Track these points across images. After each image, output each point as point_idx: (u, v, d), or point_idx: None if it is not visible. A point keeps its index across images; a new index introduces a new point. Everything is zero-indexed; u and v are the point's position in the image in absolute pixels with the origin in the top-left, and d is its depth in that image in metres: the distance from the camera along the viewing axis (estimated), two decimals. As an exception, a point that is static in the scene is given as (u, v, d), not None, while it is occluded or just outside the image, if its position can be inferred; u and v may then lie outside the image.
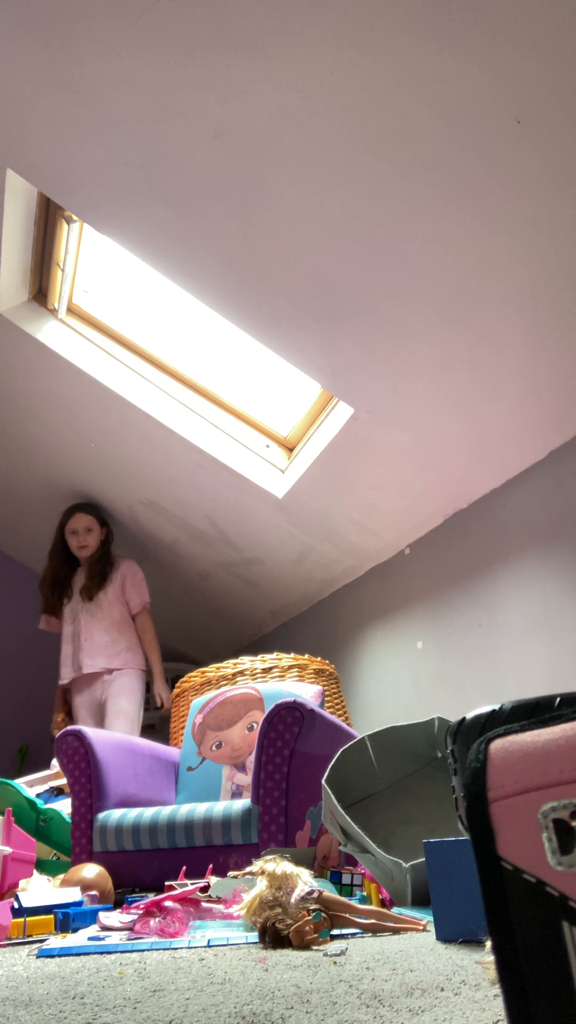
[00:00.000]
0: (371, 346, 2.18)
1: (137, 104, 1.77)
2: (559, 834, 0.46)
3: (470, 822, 0.49)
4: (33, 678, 4.03)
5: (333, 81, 1.60)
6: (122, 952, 1.18)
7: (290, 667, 2.79)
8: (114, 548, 3.53)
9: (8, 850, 1.66)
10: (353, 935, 1.25)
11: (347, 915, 1.25)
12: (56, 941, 1.32)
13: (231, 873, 1.56)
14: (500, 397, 2.19)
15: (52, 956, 1.18)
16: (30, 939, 1.39)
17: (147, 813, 2.00)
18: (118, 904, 1.80)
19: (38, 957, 1.18)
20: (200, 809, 1.95)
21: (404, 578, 2.94)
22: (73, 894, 1.62)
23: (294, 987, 0.85)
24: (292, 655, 2.84)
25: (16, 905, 1.50)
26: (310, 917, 1.16)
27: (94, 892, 1.70)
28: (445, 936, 1.12)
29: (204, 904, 1.45)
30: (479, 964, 0.92)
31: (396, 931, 1.24)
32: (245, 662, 2.80)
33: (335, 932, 1.24)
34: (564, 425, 2.20)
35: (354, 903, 1.29)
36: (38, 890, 1.61)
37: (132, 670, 3.27)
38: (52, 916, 1.47)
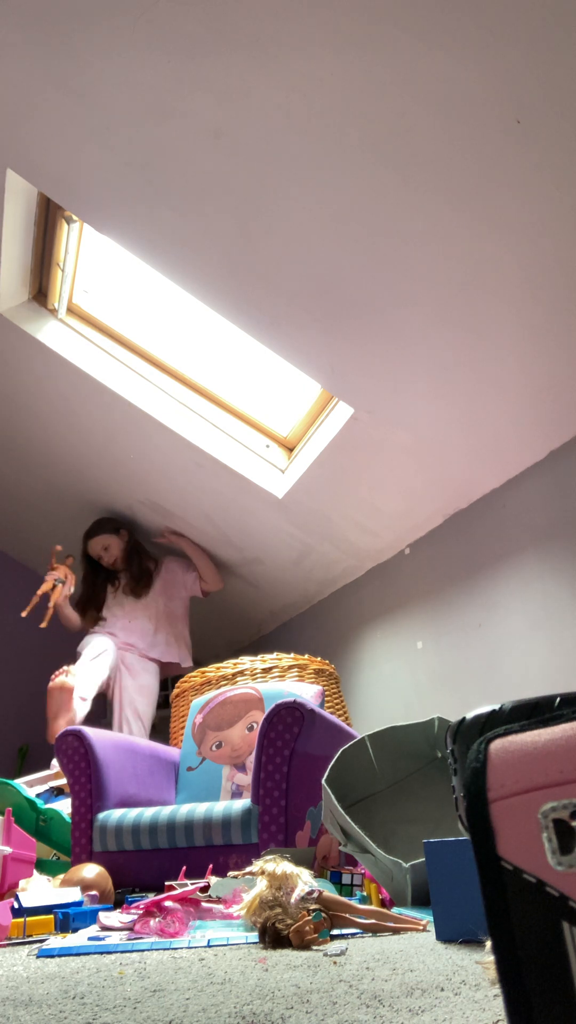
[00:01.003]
0: (371, 346, 2.18)
1: (137, 104, 1.77)
2: (559, 834, 0.46)
3: (470, 822, 0.49)
4: (33, 678, 4.02)
5: (333, 81, 1.60)
6: (122, 952, 1.18)
7: (290, 667, 2.79)
8: None
9: (8, 850, 1.66)
10: (353, 935, 1.25)
11: (347, 915, 1.25)
12: (56, 941, 1.32)
13: (231, 873, 1.56)
14: (500, 397, 2.19)
15: (52, 956, 1.18)
16: (30, 939, 1.39)
17: (147, 813, 2.00)
18: (118, 904, 1.80)
19: (38, 957, 1.18)
20: (200, 809, 1.95)
21: (404, 578, 2.94)
22: (73, 894, 1.62)
23: (294, 987, 0.84)
24: (292, 655, 2.84)
25: (16, 905, 1.50)
26: (310, 917, 1.16)
27: (94, 892, 1.70)
28: (445, 936, 1.12)
29: (204, 904, 1.45)
30: (479, 964, 0.92)
31: (396, 931, 1.24)
32: (245, 662, 2.80)
33: (335, 932, 1.24)
34: (564, 425, 2.20)
35: (354, 903, 1.29)
36: (38, 890, 1.61)
37: (156, 666, 3.42)
38: (52, 916, 1.47)
